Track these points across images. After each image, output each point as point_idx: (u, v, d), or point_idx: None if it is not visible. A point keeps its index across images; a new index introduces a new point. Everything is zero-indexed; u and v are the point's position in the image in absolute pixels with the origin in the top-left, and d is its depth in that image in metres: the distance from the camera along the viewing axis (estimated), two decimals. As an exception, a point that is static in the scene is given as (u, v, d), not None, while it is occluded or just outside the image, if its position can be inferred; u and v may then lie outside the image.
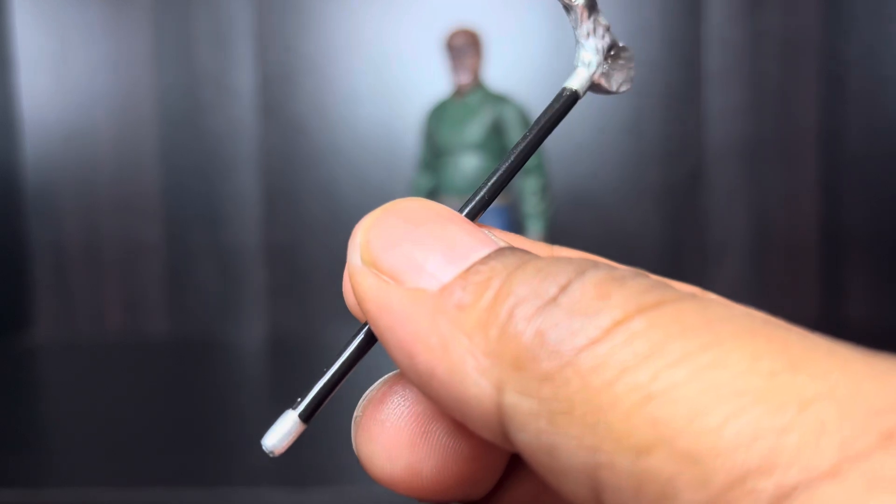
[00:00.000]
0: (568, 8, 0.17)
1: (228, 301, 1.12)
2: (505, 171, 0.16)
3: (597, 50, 0.17)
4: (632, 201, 1.10)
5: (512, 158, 0.16)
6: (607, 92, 0.17)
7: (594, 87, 0.17)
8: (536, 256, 0.13)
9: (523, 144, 0.16)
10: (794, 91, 1.09)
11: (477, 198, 0.16)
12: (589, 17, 0.17)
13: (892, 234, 1.08)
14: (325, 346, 1.04)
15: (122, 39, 1.10)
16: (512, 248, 0.14)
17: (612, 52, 0.17)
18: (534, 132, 0.17)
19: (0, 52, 1.08)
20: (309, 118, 1.10)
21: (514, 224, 0.89)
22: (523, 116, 0.79)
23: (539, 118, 0.17)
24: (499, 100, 0.78)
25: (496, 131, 0.79)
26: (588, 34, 0.17)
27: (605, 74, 0.17)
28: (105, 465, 0.64)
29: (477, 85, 0.80)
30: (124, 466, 0.64)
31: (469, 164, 0.81)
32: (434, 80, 1.07)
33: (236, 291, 1.12)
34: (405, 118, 1.09)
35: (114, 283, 1.12)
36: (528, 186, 0.84)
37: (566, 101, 0.17)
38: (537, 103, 1.08)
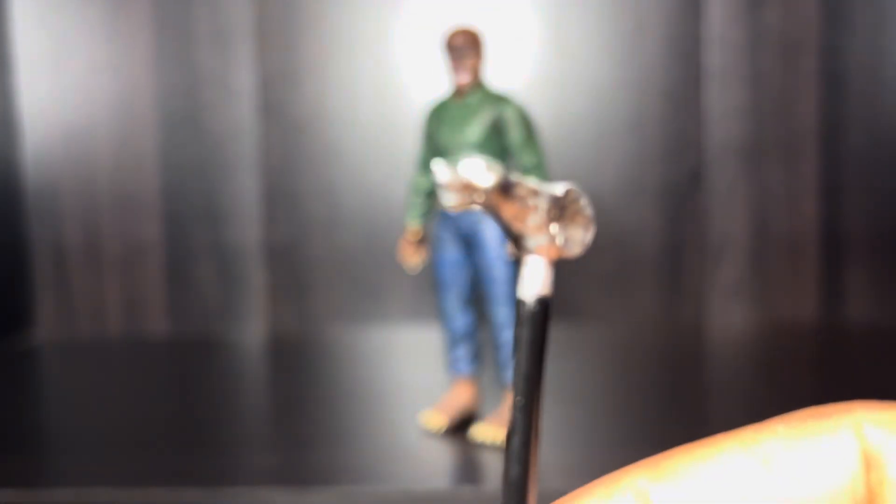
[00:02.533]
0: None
1: (228, 301, 1.12)
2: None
3: (541, 226, 0.14)
4: (632, 201, 1.09)
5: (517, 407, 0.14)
6: (571, 254, 0.14)
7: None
8: None
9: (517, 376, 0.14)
10: (794, 91, 1.09)
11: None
12: (521, 211, 0.14)
13: (892, 234, 1.08)
14: (325, 345, 1.04)
15: (121, 39, 1.10)
16: None
17: (555, 214, 0.14)
18: (522, 358, 0.14)
19: (0, 53, 1.08)
20: (309, 118, 1.10)
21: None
22: (523, 116, 0.79)
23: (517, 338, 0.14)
24: (499, 100, 0.78)
25: (496, 131, 0.79)
26: (529, 229, 0.14)
27: (564, 238, 0.14)
28: (105, 465, 0.64)
29: (477, 85, 0.80)
30: (124, 466, 0.64)
31: (469, 164, 0.81)
32: (434, 80, 1.07)
33: (236, 291, 1.12)
34: (405, 118, 1.09)
35: (114, 283, 1.12)
36: (528, 186, 0.84)
37: (536, 313, 0.14)
38: (537, 103, 1.08)
